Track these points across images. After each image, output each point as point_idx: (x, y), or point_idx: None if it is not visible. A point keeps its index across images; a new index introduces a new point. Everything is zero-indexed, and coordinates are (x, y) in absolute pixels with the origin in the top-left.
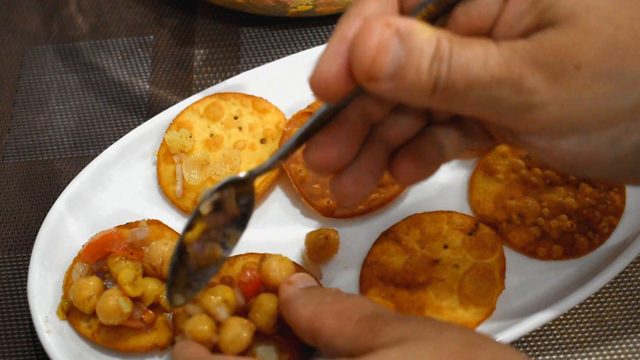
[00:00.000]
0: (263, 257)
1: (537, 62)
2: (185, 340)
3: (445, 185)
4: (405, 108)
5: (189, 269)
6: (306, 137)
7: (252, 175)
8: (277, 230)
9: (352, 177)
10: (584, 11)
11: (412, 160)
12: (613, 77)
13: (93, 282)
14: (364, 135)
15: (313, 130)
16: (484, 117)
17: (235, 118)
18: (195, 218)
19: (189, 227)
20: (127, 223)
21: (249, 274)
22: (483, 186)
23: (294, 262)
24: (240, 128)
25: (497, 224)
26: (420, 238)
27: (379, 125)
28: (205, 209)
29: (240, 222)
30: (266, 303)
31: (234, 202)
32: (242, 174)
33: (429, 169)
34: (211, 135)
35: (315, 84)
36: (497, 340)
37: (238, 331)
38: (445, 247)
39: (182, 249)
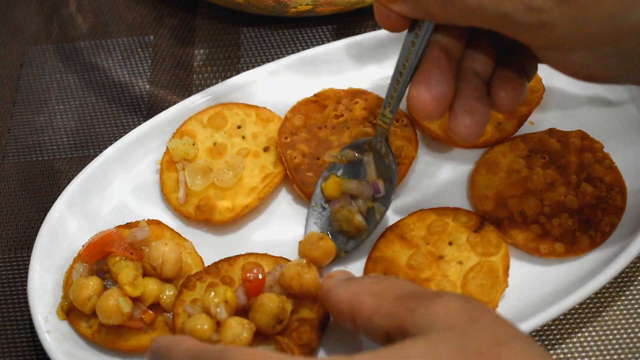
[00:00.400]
0: (279, 261)
1: None
2: (168, 335)
3: (447, 182)
4: (476, 39)
5: (331, 227)
6: (404, 82)
7: (375, 136)
8: (279, 231)
9: (465, 110)
10: None
11: (506, 86)
12: None
13: (93, 282)
14: (454, 72)
15: (408, 75)
16: (503, 32)
17: (239, 127)
18: (327, 170)
19: (323, 177)
20: (127, 223)
21: (255, 271)
22: (484, 183)
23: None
24: (243, 137)
25: (499, 221)
26: (426, 234)
27: (462, 60)
28: (330, 156)
29: (384, 197)
30: (267, 303)
31: (374, 173)
32: (367, 138)
33: (520, 91)
34: (214, 143)
35: (376, 18)
36: (524, 332)
37: (238, 331)
38: (450, 243)
39: (318, 197)
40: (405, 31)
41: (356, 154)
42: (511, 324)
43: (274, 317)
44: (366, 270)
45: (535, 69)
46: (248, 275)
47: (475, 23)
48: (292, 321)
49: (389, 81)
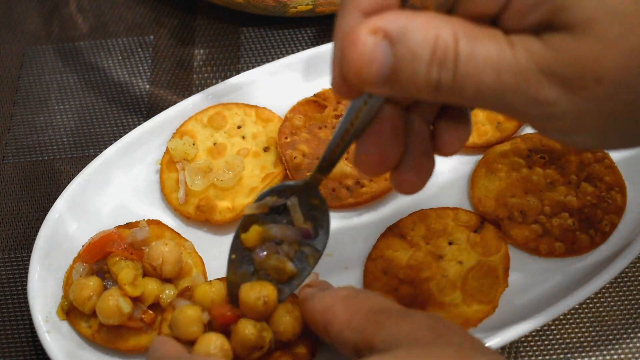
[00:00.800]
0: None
1: (555, 74)
2: (162, 336)
3: (447, 182)
4: None
5: (259, 277)
6: (350, 141)
7: (304, 183)
8: None
9: (410, 166)
10: (603, 17)
11: (451, 130)
12: (635, 88)
13: (93, 282)
14: (404, 128)
15: (356, 134)
16: (502, 114)
17: (239, 127)
18: (246, 218)
19: (242, 226)
20: (127, 223)
21: (222, 309)
22: (484, 184)
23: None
24: (243, 137)
25: (499, 220)
26: (426, 234)
27: (411, 105)
28: (250, 209)
29: (317, 242)
30: (242, 331)
31: (300, 217)
32: (290, 182)
33: (465, 134)
34: (214, 143)
35: (332, 86)
36: (490, 348)
37: (207, 348)
38: (450, 243)
39: (238, 247)
40: None
41: (277, 199)
42: (478, 339)
43: (250, 345)
44: (366, 270)
45: None
46: (215, 310)
47: (469, 106)
48: (275, 349)
49: None
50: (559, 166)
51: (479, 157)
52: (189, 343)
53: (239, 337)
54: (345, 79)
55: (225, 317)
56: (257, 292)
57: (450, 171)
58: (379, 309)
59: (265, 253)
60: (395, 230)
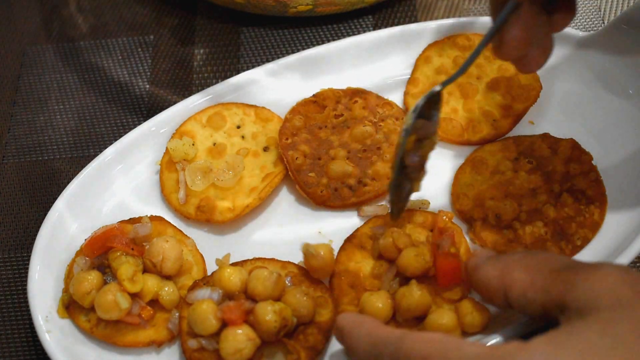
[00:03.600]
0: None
1: None
2: (356, 315)
3: (432, 176)
4: None
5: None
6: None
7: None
8: (280, 231)
9: (538, 45)
10: None
11: (561, 11)
12: None
13: (93, 277)
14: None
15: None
16: None
17: (238, 127)
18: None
19: (408, 130)
20: (130, 218)
21: (231, 313)
22: (466, 182)
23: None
24: (243, 137)
25: (473, 221)
26: None
27: None
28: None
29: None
30: (262, 319)
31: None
32: (437, 87)
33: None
34: (214, 143)
35: None
36: None
37: (240, 345)
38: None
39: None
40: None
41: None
42: None
43: (274, 332)
44: (332, 287)
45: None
46: (226, 309)
47: None
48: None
49: (388, 81)
50: (545, 173)
51: (468, 154)
52: (211, 336)
53: (261, 326)
54: None
55: (235, 321)
56: (266, 273)
57: (437, 165)
58: (561, 267)
59: (417, 158)
60: (353, 241)
